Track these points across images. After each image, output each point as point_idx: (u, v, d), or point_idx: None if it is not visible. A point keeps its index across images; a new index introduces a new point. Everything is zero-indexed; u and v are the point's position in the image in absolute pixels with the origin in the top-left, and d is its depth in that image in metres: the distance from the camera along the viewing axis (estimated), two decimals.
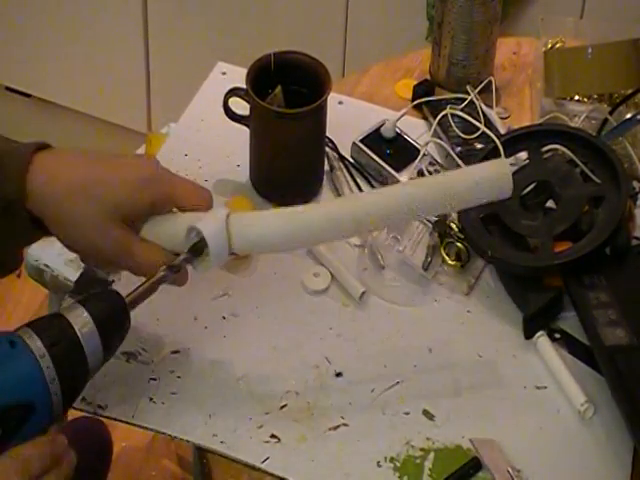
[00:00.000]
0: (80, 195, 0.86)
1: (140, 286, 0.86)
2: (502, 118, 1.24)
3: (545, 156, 1.10)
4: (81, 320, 0.81)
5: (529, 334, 1.00)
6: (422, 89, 1.25)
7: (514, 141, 1.12)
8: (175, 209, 0.90)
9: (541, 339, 0.99)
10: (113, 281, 1.02)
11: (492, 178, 0.91)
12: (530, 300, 1.00)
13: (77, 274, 1.04)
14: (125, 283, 1.01)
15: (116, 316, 0.84)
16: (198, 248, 0.87)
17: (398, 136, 1.17)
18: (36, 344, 0.78)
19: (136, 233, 0.89)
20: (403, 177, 1.13)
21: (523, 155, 1.13)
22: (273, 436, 0.92)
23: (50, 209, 0.86)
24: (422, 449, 0.92)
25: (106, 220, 0.86)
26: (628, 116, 1.18)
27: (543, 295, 1.00)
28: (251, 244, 0.88)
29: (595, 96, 1.24)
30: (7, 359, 0.77)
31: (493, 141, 1.12)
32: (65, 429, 1.24)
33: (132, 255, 0.88)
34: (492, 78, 1.26)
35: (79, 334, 0.80)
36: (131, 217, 0.88)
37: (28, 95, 2.35)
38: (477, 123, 1.17)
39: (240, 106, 1.12)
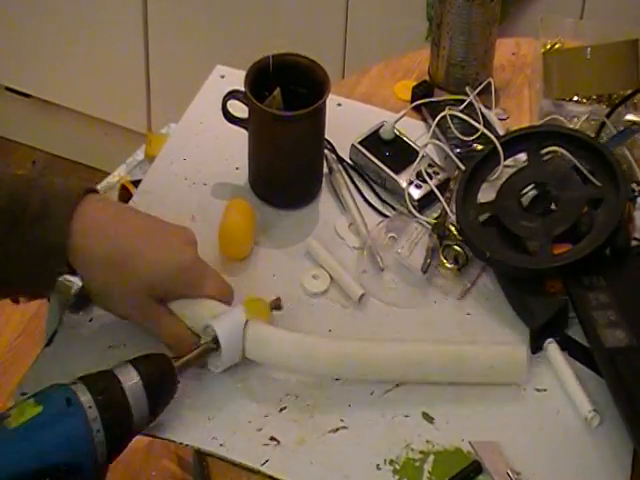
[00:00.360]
0: (117, 268, 0.89)
1: (190, 354, 0.90)
2: (501, 119, 1.23)
3: (544, 158, 1.10)
4: (131, 382, 0.83)
5: (536, 348, 0.99)
6: (421, 90, 1.25)
7: (513, 142, 1.12)
8: None
9: (551, 346, 0.99)
10: None
11: (507, 364, 0.96)
12: (536, 314, 1.00)
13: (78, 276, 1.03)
14: None
15: (164, 380, 0.87)
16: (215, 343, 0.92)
17: (397, 138, 1.16)
18: (89, 405, 0.79)
19: (164, 306, 0.93)
20: (402, 179, 1.12)
21: (522, 157, 1.13)
22: (272, 438, 0.92)
23: (87, 272, 0.88)
24: (422, 452, 0.92)
25: (139, 295, 0.90)
26: (627, 117, 1.18)
27: (548, 308, 1.00)
28: (263, 358, 0.94)
29: (594, 97, 1.24)
30: (62, 417, 0.78)
31: (492, 142, 1.12)
32: None
33: (160, 326, 0.93)
34: (491, 79, 1.26)
35: (129, 397, 0.83)
36: (162, 296, 0.93)
37: (28, 95, 2.35)
38: (476, 124, 1.17)
39: (239, 109, 1.11)
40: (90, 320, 0.99)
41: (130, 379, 0.83)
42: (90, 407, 0.79)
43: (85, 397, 0.80)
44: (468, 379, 0.96)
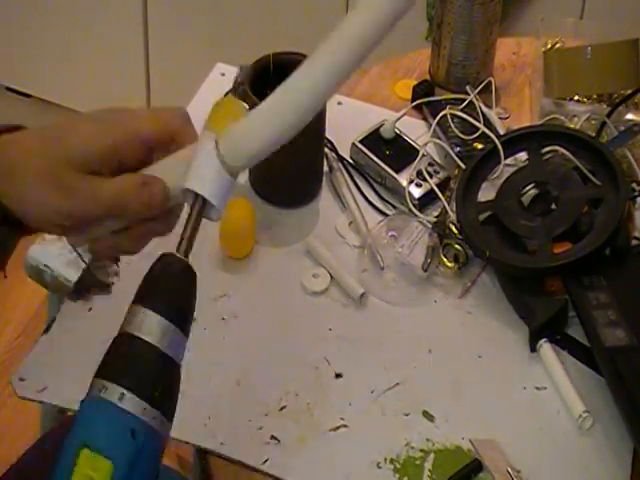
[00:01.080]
0: (35, 157, 0.75)
1: (184, 230, 0.72)
2: (502, 118, 1.24)
3: (544, 157, 1.10)
4: (158, 335, 0.70)
5: (535, 347, 1.00)
6: (422, 89, 1.25)
7: (514, 142, 1.12)
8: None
9: (544, 347, 0.99)
10: (113, 283, 1.02)
11: None
12: (536, 314, 1.00)
13: (77, 275, 1.04)
14: (125, 285, 1.02)
15: (185, 294, 0.73)
16: (202, 207, 0.73)
17: (397, 136, 1.17)
18: (147, 414, 0.65)
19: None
20: (403, 178, 1.13)
21: (523, 156, 1.13)
22: (273, 437, 0.92)
23: (7, 180, 0.75)
24: (422, 450, 0.92)
25: (60, 175, 0.74)
26: (628, 117, 1.18)
27: (548, 308, 1.00)
28: (248, 154, 0.75)
29: (595, 96, 1.24)
30: (137, 458, 0.65)
31: (493, 141, 1.12)
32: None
33: (102, 197, 0.73)
34: (492, 78, 1.26)
35: (168, 352, 0.69)
36: (92, 166, 0.74)
37: (28, 95, 2.35)
38: (477, 123, 1.17)
39: None
40: (89, 310, 1.00)
41: (153, 329, 0.69)
42: (145, 409, 0.66)
43: (139, 406, 0.65)
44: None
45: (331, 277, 1.05)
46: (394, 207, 1.13)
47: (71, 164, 0.74)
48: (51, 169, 0.74)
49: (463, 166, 1.13)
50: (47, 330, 0.98)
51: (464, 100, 1.21)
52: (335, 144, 1.17)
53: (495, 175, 1.12)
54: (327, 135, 1.13)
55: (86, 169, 0.74)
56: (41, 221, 0.76)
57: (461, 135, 1.17)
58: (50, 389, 0.94)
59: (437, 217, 1.09)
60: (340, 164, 1.16)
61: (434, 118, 1.19)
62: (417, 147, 1.15)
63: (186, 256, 0.71)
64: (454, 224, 1.07)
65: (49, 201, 0.74)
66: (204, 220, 1.05)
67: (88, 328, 0.99)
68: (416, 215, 1.10)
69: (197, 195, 0.72)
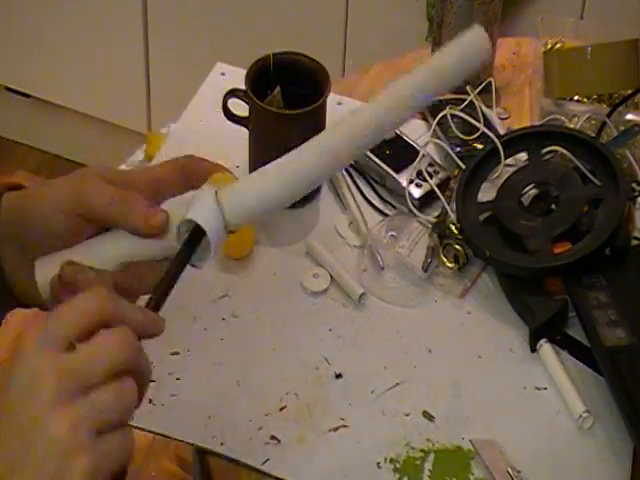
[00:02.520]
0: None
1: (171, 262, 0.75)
2: (502, 119, 1.24)
3: (545, 157, 1.10)
4: None
5: (535, 347, 1.00)
6: None
7: (514, 142, 1.12)
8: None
9: (544, 347, 0.99)
10: None
11: (473, 44, 0.80)
12: (536, 314, 1.00)
13: None
14: None
15: None
16: (193, 240, 0.77)
17: (397, 137, 1.16)
18: None
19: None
20: (403, 178, 1.12)
21: (523, 156, 1.13)
22: (273, 437, 0.92)
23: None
24: (422, 450, 0.92)
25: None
26: (628, 117, 1.18)
27: (548, 307, 1.00)
28: (247, 211, 0.79)
29: (595, 96, 1.24)
30: None
31: (493, 142, 1.12)
32: None
33: (109, 191, 0.76)
34: (492, 78, 1.26)
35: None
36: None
37: (28, 95, 2.35)
38: (477, 124, 1.17)
39: (239, 107, 1.11)
40: None
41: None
42: None
43: None
44: (450, 82, 0.81)
45: (331, 277, 1.05)
46: (394, 207, 1.13)
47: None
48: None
49: (463, 166, 1.13)
50: None
51: (464, 100, 1.21)
52: None
53: (495, 175, 1.12)
54: None
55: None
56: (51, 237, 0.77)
57: (461, 135, 1.17)
58: None
59: (437, 217, 1.09)
60: None
61: (434, 118, 1.19)
62: (417, 147, 1.15)
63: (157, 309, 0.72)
64: (454, 224, 1.07)
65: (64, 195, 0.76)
66: None
67: None
68: (416, 215, 1.10)
69: (193, 232, 0.75)
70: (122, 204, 0.76)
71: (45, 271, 0.79)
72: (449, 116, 1.19)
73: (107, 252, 0.80)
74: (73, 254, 0.79)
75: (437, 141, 1.18)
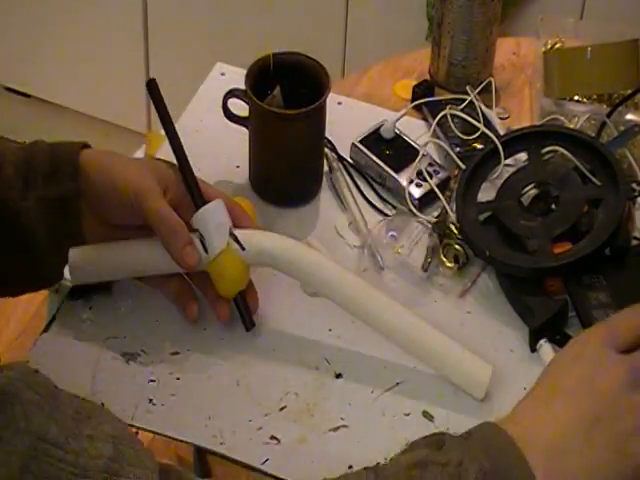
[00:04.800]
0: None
1: None
2: (502, 119, 1.24)
3: (544, 157, 1.10)
4: None
5: (535, 347, 0.99)
6: (422, 89, 1.25)
7: (513, 142, 1.12)
8: None
9: (544, 347, 0.99)
10: (113, 282, 1.02)
11: (467, 378, 0.95)
12: (536, 314, 0.99)
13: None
14: (125, 284, 1.02)
15: None
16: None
17: (397, 137, 1.17)
18: None
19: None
20: (403, 178, 1.13)
21: (523, 156, 1.13)
22: (273, 437, 0.92)
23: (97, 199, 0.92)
24: None
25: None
26: (628, 117, 1.18)
27: (548, 308, 1.00)
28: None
29: (595, 96, 1.24)
30: None
31: (493, 142, 1.12)
32: None
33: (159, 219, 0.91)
34: (492, 78, 1.26)
35: None
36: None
37: (28, 95, 2.35)
38: (477, 124, 1.17)
39: (239, 107, 1.12)
40: (90, 309, 1.00)
41: None
42: None
43: None
44: (421, 357, 0.95)
45: None
46: (394, 207, 1.13)
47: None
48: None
49: (463, 166, 1.13)
50: (47, 329, 0.98)
51: (464, 100, 1.21)
52: (335, 144, 1.17)
53: (495, 175, 1.12)
54: (327, 135, 1.13)
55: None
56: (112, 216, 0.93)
57: (461, 135, 1.17)
58: None
59: (437, 217, 1.09)
60: (340, 164, 1.16)
61: (434, 118, 1.19)
62: (417, 147, 1.15)
63: None
64: (454, 224, 1.07)
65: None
66: None
67: (88, 327, 0.99)
68: (416, 215, 1.10)
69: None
70: (170, 230, 0.90)
71: (77, 259, 0.93)
72: (449, 116, 1.19)
73: (140, 259, 0.94)
74: (107, 250, 0.94)
75: (437, 141, 1.18)
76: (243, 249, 0.93)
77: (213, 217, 0.93)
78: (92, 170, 0.91)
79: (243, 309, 0.95)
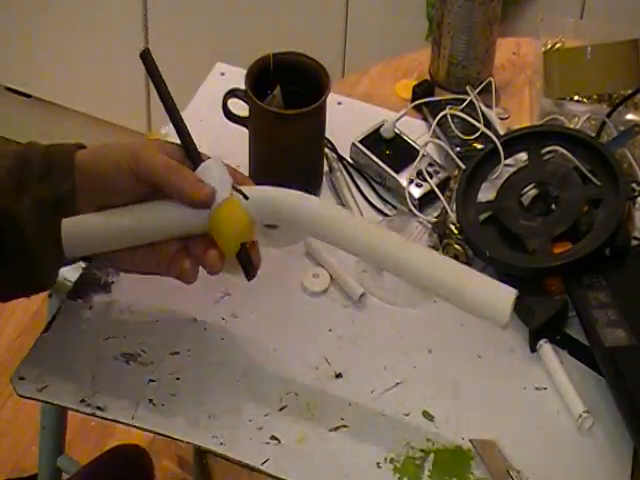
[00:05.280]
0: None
1: None
2: (502, 119, 1.24)
3: (544, 157, 1.10)
4: None
5: (535, 347, 0.99)
6: (422, 89, 1.25)
7: (513, 142, 1.12)
8: None
9: (544, 347, 0.99)
10: (113, 283, 1.02)
11: (490, 303, 0.88)
12: (536, 314, 1.00)
13: (77, 275, 1.04)
14: (125, 284, 1.02)
15: None
16: None
17: (397, 137, 1.17)
18: None
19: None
20: (403, 178, 1.13)
21: (523, 156, 1.13)
22: (273, 437, 0.92)
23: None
24: (422, 450, 0.92)
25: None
26: (628, 117, 1.18)
27: (548, 308, 1.00)
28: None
29: (595, 96, 1.24)
30: None
31: (493, 142, 1.12)
32: (103, 458, 1.22)
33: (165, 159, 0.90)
34: (492, 78, 1.26)
35: None
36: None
37: (28, 95, 2.35)
38: (477, 124, 1.17)
39: (239, 107, 1.11)
40: (90, 309, 1.00)
41: None
42: None
43: None
44: (443, 292, 0.89)
45: (331, 277, 1.05)
46: (394, 207, 1.13)
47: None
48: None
49: (463, 166, 1.13)
50: (47, 329, 0.98)
51: (464, 100, 1.21)
52: (335, 144, 1.17)
53: (495, 175, 1.12)
54: (327, 135, 1.13)
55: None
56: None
57: (461, 135, 1.17)
58: (50, 388, 0.94)
59: (437, 217, 1.09)
60: (340, 164, 1.16)
61: (434, 118, 1.19)
62: (417, 147, 1.15)
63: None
64: (454, 224, 1.07)
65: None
66: None
67: (88, 328, 0.99)
68: (416, 215, 1.10)
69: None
70: (176, 172, 0.87)
71: (71, 229, 0.90)
72: (449, 116, 1.19)
73: (149, 218, 0.90)
74: (102, 216, 0.90)
75: (437, 141, 1.18)
76: (246, 198, 0.90)
77: (214, 170, 0.90)
78: (87, 165, 0.90)
79: (246, 260, 0.91)
